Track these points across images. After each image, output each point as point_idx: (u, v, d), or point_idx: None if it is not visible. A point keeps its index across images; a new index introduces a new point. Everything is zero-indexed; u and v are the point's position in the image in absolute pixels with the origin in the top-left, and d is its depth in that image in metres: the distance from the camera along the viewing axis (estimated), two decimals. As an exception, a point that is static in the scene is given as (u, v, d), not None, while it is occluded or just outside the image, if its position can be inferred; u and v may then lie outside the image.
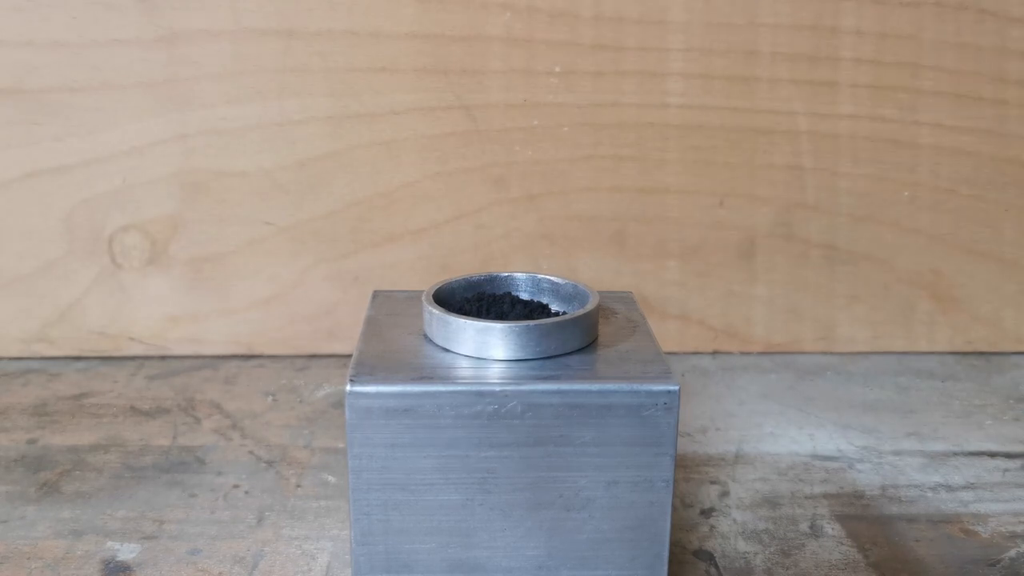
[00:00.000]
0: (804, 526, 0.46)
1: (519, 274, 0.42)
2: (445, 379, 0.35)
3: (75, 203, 0.63)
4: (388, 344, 0.38)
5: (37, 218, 0.63)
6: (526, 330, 0.36)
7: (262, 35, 0.61)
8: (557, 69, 0.62)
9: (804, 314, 0.67)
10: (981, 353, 0.68)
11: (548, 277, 0.41)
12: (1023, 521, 0.47)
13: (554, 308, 0.41)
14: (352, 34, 0.61)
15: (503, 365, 0.36)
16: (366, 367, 0.35)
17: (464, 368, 0.36)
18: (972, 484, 0.50)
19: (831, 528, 0.46)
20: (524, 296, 0.41)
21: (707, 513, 0.47)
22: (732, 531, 0.45)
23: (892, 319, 0.68)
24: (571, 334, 0.37)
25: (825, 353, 0.68)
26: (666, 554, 0.36)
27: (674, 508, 0.41)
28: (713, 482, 0.50)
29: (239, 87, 0.61)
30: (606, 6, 0.61)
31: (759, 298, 0.67)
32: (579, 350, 0.37)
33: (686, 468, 0.51)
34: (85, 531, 0.45)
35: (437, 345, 0.38)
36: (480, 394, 0.34)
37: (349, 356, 0.47)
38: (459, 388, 0.34)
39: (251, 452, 0.53)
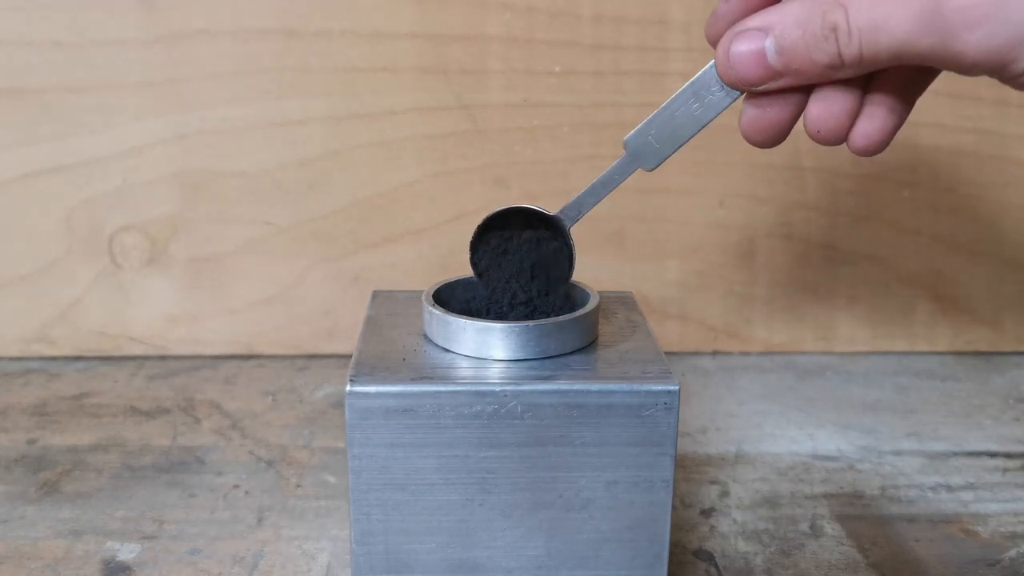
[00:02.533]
0: (804, 526, 0.46)
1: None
2: (445, 379, 0.35)
3: (75, 203, 0.63)
4: (388, 344, 0.38)
5: (37, 218, 0.63)
6: (526, 330, 0.36)
7: (262, 35, 0.61)
8: (557, 69, 0.62)
9: (804, 314, 0.67)
10: (981, 353, 0.68)
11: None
12: (1023, 521, 0.47)
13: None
14: (352, 34, 0.61)
15: (503, 365, 0.36)
16: (366, 367, 0.35)
17: (464, 368, 0.36)
18: (972, 484, 0.50)
19: (831, 528, 0.46)
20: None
21: (707, 513, 0.47)
22: (732, 531, 0.45)
23: (892, 319, 0.68)
24: (571, 334, 0.37)
25: (825, 353, 0.68)
26: (666, 554, 0.36)
27: (674, 508, 0.42)
28: (713, 482, 0.50)
29: (239, 87, 0.61)
30: (606, 6, 0.61)
31: (759, 298, 0.67)
32: (579, 350, 0.37)
33: (686, 468, 0.51)
34: (85, 531, 0.45)
35: (437, 345, 0.38)
36: (480, 394, 0.34)
37: (349, 356, 0.47)
38: (459, 388, 0.34)
39: (251, 452, 0.53)
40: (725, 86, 0.36)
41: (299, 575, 0.42)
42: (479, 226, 0.40)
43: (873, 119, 0.36)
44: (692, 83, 0.37)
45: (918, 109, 0.64)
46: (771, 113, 0.36)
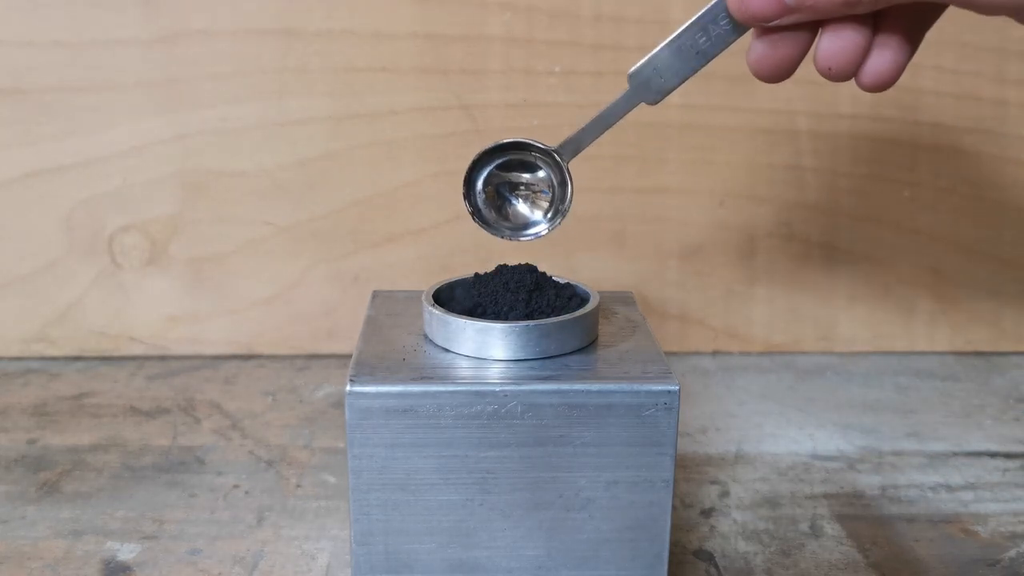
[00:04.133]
0: (804, 526, 0.46)
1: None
2: (445, 379, 0.35)
3: (75, 203, 0.63)
4: (388, 344, 0.38)
5: (37, 218, 0.63)
6: (526, 330, 0.36)
7: (262, 35, 0.61)
8: (557, 69, 0.62)
9: (804, 314, 0.67)
10: (981, 353, 0.68)
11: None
12: (1023, 521, 0.47)
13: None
14: (352, 34, 0.61)
15: (503, 365, 0.36)
16: (366, 367, 0.35)
17: (464, 368, 0.36)
18: (972, 484, 0.50)
19: (831, 528, 0.46)
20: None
21: (707, 513, 0.47)
22: (732, 531, 0.45)
23: (892, 319, 0.68)
24: (571, 334, 0.37)
25: (825, 353, 0.68)
26: (666, 554, 0.36)
27: (674, 508, 0.41)
28: (713, 482, 0.50)
29: (239, 87, 0.61)
30: (606, 6, 0.61)
31: (759, 298, 0.67)
32: (579, 350, 0.37)
33: (686, 468, 0.51)
34: (85, 531, 0.45)
35: (437, 345, 0.38)
36: (480, 394, 0.34)
37: (349, 356, 0.47)
38: (459, 388, 0.34)
39: (251, 452, 0.53)
40: (734, 20, 0.36)
41: (299, 575, 0.42)
42: (474, 160, 0.40)
43: (883, 55, 0.36)
44: (700, 16, 0.37)
45: (919, 109, 0.64)
46: (780, 49, 0.36)
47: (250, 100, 0.62)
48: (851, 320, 0.67)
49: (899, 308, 0.67)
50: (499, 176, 0.40)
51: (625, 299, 0.44)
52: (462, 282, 0.41)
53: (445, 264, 0.65)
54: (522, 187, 0.40)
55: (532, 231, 0.40)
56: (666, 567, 0.37)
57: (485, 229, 0.40)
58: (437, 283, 0.41)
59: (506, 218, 0.40)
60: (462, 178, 0.39)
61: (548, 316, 0.38)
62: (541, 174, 0.40)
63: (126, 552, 0.43)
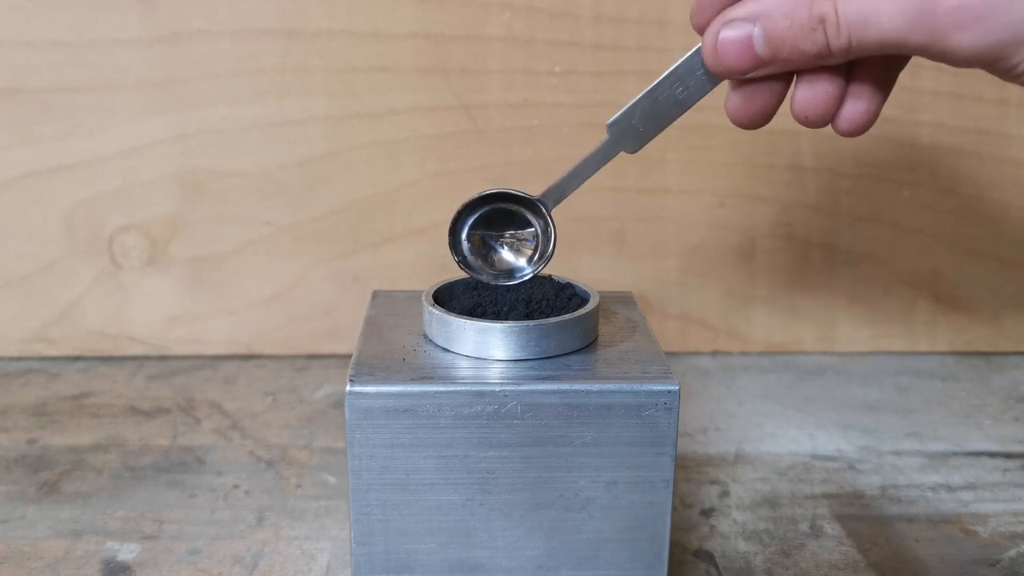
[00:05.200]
0: (804, 526, 0.46)
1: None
2: (445, 379, 0.35)
3: (75, 203, 0.63)
4: (388, 344, 0.38)
5: (37, 218, 0.63)
6: (526, 330, 0.36)
7: (262, 35, 0.61)
8: (557, 69, 0.62)
9: (804, 314, 0.67)
10: (981, 353, 0.68)
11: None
12: (1023, 521, 0.47)
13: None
14: (352, 34, 0.61)
15: (503, 365, 0.36)
16: (366, 367, 0.35)
17: (464, 368, 0.36)
18: (972, 484, 0.50)
19: (831, 528, 0.46)
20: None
21: (707, 513, 0.47)
22: (732, 531, 0.45)
23: (892, 319, 0.68)
24: (571, 334, 0.37)
25: (825, 353, 0.68)
26: (666, 554, 0.36)
27: (674, 508, 0.41)
28: (713, 482, 0.50)
29: (239, 87, 0.61)
30: (606, 6, 0.61)
31: (759, 298, 0.67)
32: (579, 350, 0.37)
33: (686, 468, 0.51)
34: (85, 531, 0.45)
35: (437, 345, 0.38)
36: (480, 394, 0.34)
37: (349, 356, 0.47)
38: (459, 388, 0.34)
39: (251, 452, 0.53)
40: (709, 71, 0.37)
41: (299, 575, 0.42)
42: (459, 210, 0.40)
43: (858, 102, 0.36)
44: (676, 68, 0.37)
45: (918, 109, 0.64)
46: (756, 100, 0.37)
47: (250, 100, 0.62)
48: (851, 320, 0.67)
49: (899, 308, 0.67)
50: (484, 228, 0.41)
51: (625, 299, 0.44)
52: (462, 282, 0.41)
53: (445, 264, 0.64)
54: (507, 235, 0.41)
55: (517, 276, 0.40)
56: (666, 567, 0.37)
57: (471, 275, 0.40)
58: (437, 283, 0.41)
59: (492, 265, 0.41)
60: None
61: (548, 316, 0.38)
62: (529, 230, 0.41)
63: (126, 552, 0.43)
